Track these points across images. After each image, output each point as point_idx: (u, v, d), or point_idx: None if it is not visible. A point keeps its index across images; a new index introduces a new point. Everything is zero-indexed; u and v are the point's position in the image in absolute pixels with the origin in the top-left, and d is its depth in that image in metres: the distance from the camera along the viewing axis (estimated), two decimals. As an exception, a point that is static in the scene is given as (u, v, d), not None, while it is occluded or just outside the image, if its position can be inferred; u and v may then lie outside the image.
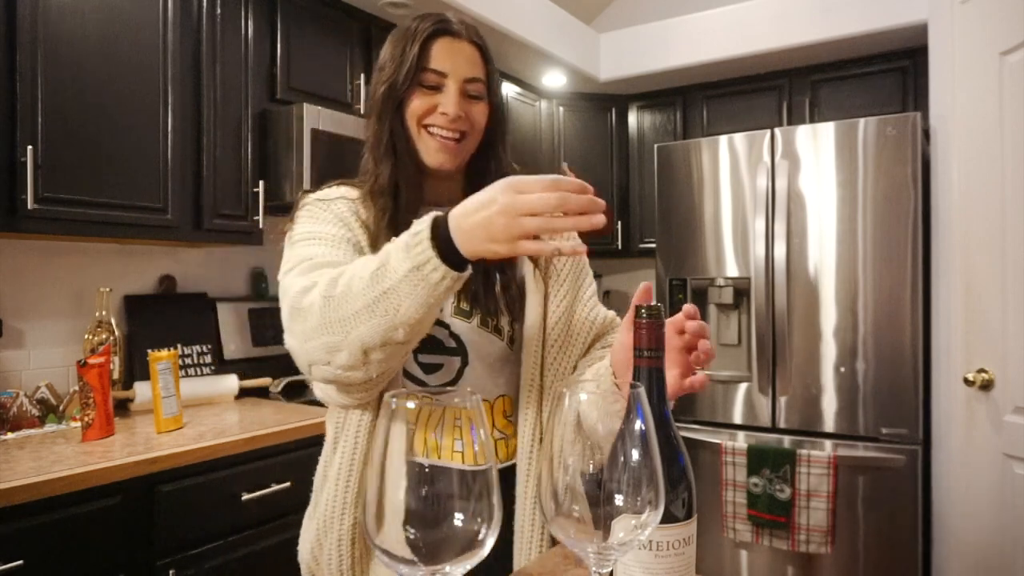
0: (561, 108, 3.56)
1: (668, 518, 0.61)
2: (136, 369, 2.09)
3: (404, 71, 0.97)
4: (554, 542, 0.99)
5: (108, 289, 2.04)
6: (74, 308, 2.05)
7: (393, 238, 0.82)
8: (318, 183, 2.17)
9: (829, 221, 2.59)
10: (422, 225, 0.76)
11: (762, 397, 2.70)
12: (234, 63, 2.13)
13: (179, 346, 2.21)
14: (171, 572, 1.57)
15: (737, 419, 2.76)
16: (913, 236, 2.45)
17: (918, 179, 2.44)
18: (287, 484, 1.81)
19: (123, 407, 2.00)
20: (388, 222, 0.97)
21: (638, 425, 0.55)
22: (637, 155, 3.64)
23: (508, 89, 3.21)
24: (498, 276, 1.03)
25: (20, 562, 1.33)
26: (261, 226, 2.20)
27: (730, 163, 2.78)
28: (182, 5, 1.98)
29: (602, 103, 3.64)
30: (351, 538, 0.97)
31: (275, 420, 1.91)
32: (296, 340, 0.85)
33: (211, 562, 1.66)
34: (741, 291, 2.76)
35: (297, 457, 1.85)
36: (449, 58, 0.98)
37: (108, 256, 2.14)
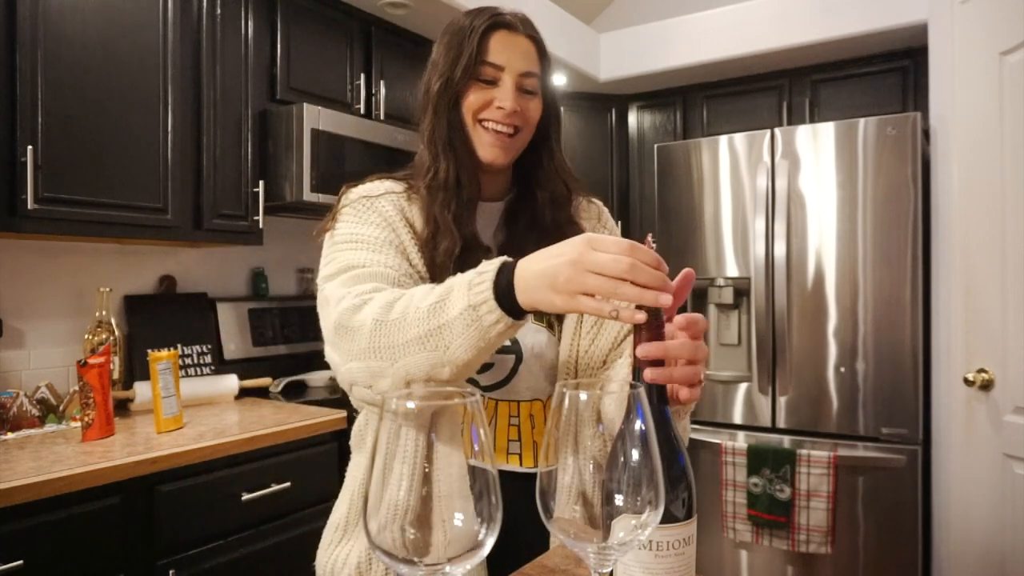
0: (561, 108, 3.55)
1: (668, 518, 0.60)
2: (136, 369, 2.09)
3: (462, 65, 0.97)
4: None
5: (108, 289, 2.04)
6: (74, 308, 2.05)
7: (454, 232, 0.78)
8: (318, 183, 2.21)
9: (829, 221, 2.59)
10: (490, 266, 0.75)
11: (762, 397, 2.70)
12: (234, 63, 2.13)
13: (179, 346, 2.21)
14: (171, 572, 1.57)
15: (737, 419, 2.76)
16: (913, 236, 2.45)
17: (918, 179, 2.44)
18: (287, 484, 1.80)
19: (123, 407, 1.99)
20: (453, 217, 0.96)
21: (638, 425, 0.55)
22: (637, 155, 3.64)
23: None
24: None
25: (20, 562, 1.33)
26: (261, 226, 2.20)
27: (730, 163, 2.78)
28: (182, 5, 1.98)
29: (602, 103, 3.64)
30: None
31: (275, 420, 1.91)
32: (340, 356, 0.84)
33: (211, 562, 1.66)
34: (741, 291, 2.76)
35: (297, 457, 1.84)
36: (505, 52, 0.99)
37: (108, 256, 2.14)
